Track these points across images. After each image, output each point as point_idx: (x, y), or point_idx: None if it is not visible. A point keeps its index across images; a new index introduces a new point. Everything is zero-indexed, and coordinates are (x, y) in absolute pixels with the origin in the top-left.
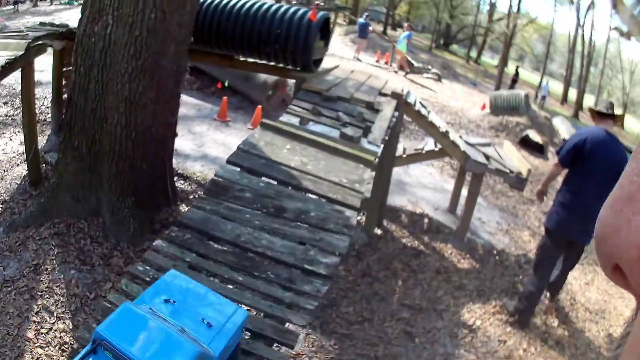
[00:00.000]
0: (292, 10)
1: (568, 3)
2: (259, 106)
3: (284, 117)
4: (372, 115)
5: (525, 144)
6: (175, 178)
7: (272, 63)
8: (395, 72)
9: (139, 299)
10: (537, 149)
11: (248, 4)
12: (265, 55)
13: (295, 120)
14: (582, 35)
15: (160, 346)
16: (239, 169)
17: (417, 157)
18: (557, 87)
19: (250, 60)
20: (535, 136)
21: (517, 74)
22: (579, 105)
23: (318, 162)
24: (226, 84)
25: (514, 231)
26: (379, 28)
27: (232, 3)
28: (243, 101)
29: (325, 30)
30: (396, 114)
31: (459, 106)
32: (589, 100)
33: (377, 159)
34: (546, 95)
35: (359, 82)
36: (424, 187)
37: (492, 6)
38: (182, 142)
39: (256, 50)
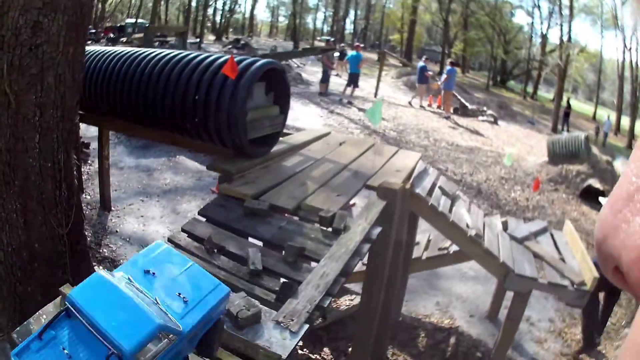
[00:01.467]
0: (213, 60)
1: (614, 28)
2: None
3: None
4: (323, 244)
5: (587, 194)
6: None
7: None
8: (447, 117)
9: (120, 267)
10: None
11: (151, 55)
12: (187, 133)
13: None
14: (630, 61)
15: (125, 316)
16: None
17: (442, 260)
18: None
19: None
20: (597, 185)
21: (569, 106)
22: (631, 134)
23: None
24: None
25: (571, 330)
26: (436, 68)
27: (122, 55)
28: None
29: (279, 88)
30: (377, 231)
31: (515, 154)
32: None
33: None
34: (608, 131)
35: (340, 166)
36: (462, 278)
37: (544, 37)
38: (157, 226)
39: (172, 126)
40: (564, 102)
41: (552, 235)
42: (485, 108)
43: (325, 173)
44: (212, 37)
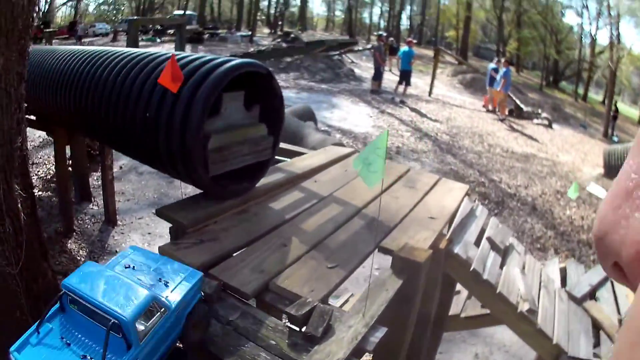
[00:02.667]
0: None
1: None
2: None
3: None
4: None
5: None
6: None
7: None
8: (502, 120)
9: (107, 266)
10: None
11: (97, 56)
12: (149, 161)
13: None
14: None
15: (120, 292)
16: None
17: (484, 320)
18: None
19: None
20: None
21: (616, 109)
22: None
23: None
24: None
25: None
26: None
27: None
28: None
29: (268, 100)
30: (379, 334)
31: (569, 163)
32: None
33: None
34: None
35: (351, 209)
36: None
37: (593, 38)
38: None
39: (132, 150)
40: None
41: (612, 285)
42: (539, 110)
43: (324, 223)
44: (266, 31)
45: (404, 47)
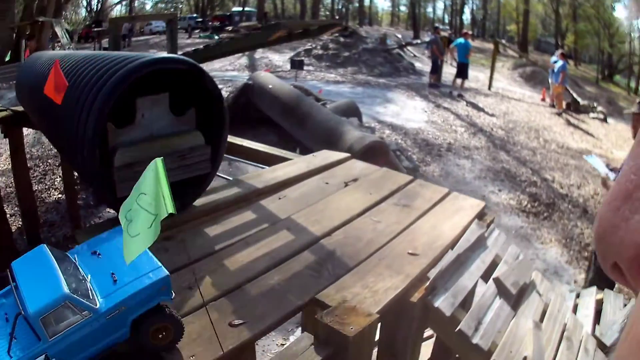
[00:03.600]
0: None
1: None
2: None
3: None
4: None
5: None
6: None
7: None
8: (559, 114)
9: (76, 248)
10: None
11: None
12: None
13: None
14: None
15: (42, 283)
16: None
17: None
18: None
19: None
20: None
21: None
22: None
23: None
24: (297, 152)
25: None
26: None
27: None
28: None
29: (207, 102)
30: None
31: (623, 159)
32: None
33: None
34: None
35: (308, 238)
36: None
37: None
38: None
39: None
40: None
41: None
42: (595, 104)
43: (258, 259)
44: None
45: (459, 39)
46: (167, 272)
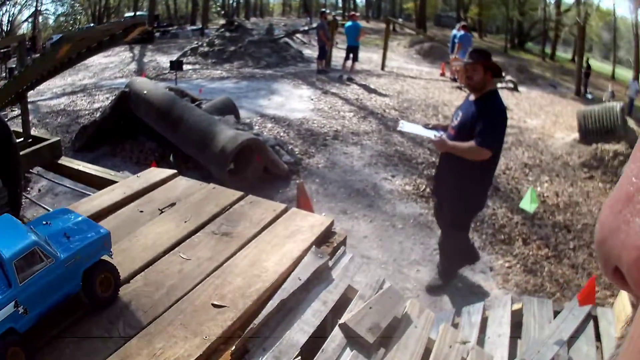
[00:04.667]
0: None
1: None
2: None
3: None
4: None
5: None
6: None
7: None
8: (461, 87)
9: (27, 223)
10: None
11: None
12: None
13: None
14: None
15: (11, 236)
16: None
17: None
18: (627, 75)
19: None
20: None
21: (588, 66)
22: None
23: None
24: (172, 160)
25: None
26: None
27: None
28: (199, 179)
29: None
30: None
31: (539, 128)
32: None
33: None
34: (635, 96)
35: None
36: None
37: None
38: None
39: None
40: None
41: (596, 329)
42: (503, 74)
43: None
44: (222, 22)
45: (347, 22)
46: (108, 231)
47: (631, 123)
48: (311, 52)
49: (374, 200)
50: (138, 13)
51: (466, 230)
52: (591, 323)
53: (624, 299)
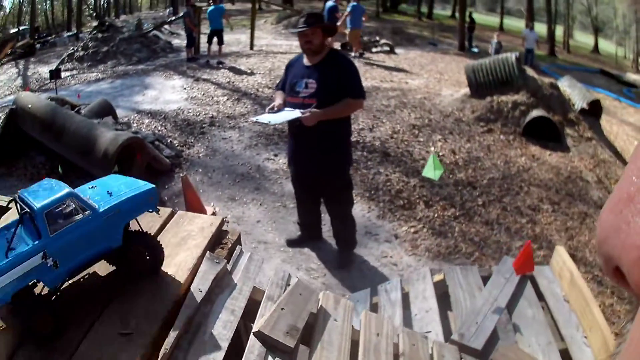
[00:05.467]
0: None
1: None
2: None
3: None
4: None
5: (532, 129)
6: None
7: None
8: (360, 55)
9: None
10: (550, 136)
11: None
12: None
13: None
14: None
15: (47, 192)
16: None
17: None
18: (520, 25)
19: None
20: (541, 114)
21: (472, 20)
22: (552, 40)
23: None
24: (60, 170)
25: None
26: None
27: None
28: None
29: None
30: None
31: (422, 87)
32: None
33: None
34: (533, 46)
35: None
36: None
37: None
38: None
39: None
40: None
41: (536, 289)
42: (377, 38)
43: None
44: (95, 24)
45: (210, 7)
46: (154, 186)
47: (531, 73)
48: (179, 41)
49: (260, 183)
50: (22, 28)
51: (352, 188)
52: (528, 284)
53: (561, 254)
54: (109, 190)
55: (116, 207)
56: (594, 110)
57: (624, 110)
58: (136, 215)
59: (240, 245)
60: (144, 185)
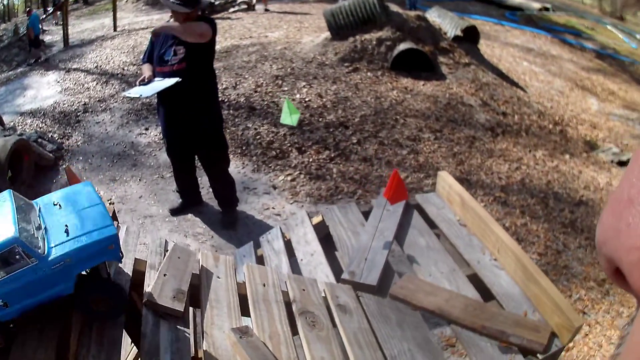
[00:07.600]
0: None
1: None
2: None
3: None
4: None
5: (401, 62)
6: None
7: None
8: (267, 10)
9: (43, 197)
10: (422, 67)
11: None
12: None
13: None
14: None
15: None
16: None
17: None
18: None
19: None
20: (409, 47)
21: None
22: None
23: None
24: None
25: None
26: None
27: None
28: None
29: None
30: None
31: (282, 38)
32: None
33: None
34: None
35: None
36: None
37: None
38: None
39: None
40: None
41: (425, 218)
42: None
43: None
44: None
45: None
46: (115, 231)
47: (395, 9)
48: (52, 37)
49: (137, 159)
50: None
51: (228, 146)
52: (415, 213)
53: (445, 178)
54: (67, 223)
55: (66, 257)
56: (471, 36)
57: (508, 33)
58: (90, 266)
59: (117, 221)
60: (105, 227)
